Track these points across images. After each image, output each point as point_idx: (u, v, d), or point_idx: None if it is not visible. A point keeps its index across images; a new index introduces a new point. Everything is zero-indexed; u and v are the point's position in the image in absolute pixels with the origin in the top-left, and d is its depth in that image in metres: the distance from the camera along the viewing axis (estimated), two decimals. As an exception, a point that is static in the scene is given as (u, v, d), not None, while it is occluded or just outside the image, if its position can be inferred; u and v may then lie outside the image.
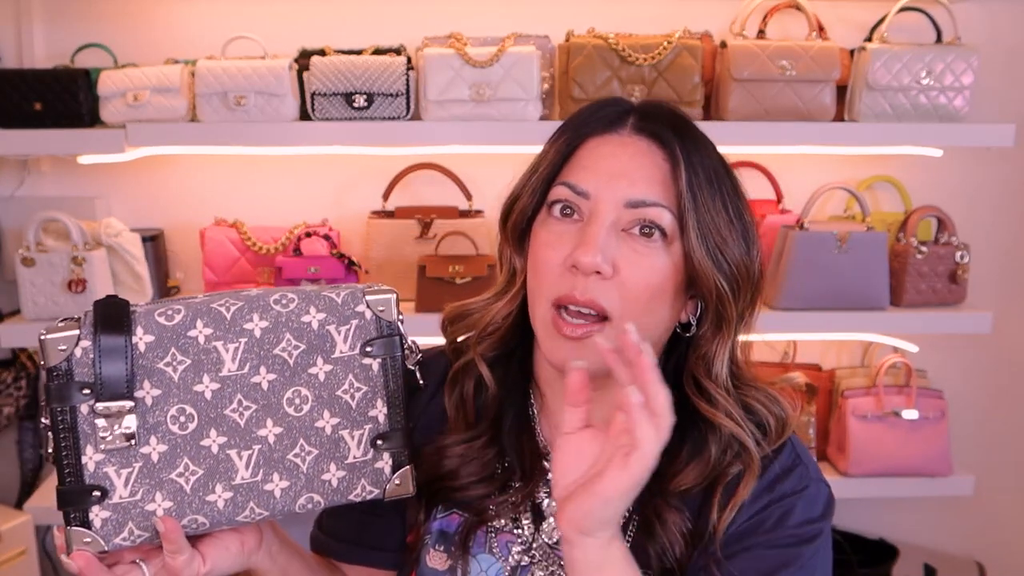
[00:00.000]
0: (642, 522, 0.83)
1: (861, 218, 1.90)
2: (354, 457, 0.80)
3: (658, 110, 0.86)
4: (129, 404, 0.75)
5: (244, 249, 1.93)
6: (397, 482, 0.82)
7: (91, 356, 0.74)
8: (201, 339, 0.76)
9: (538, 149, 0.90)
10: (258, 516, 0.79)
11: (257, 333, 0.77)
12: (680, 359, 0.88)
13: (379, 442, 0.81)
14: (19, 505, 1.98)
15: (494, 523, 0.89)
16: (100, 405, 0.74)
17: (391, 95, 1.77)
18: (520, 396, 0.93)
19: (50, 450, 0.75)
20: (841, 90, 1.87)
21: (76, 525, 0.75)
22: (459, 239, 1.89)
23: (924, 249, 1.90)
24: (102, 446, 0.75)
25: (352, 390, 0.80)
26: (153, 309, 0.77)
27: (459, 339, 0.95)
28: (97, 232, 1.81)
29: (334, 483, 0.80)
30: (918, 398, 1.95)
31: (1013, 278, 2.18)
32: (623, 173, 0.81)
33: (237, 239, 1.93)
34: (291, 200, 2.03)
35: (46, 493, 1.93)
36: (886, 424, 1.94)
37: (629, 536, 0.85)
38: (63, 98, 1.77)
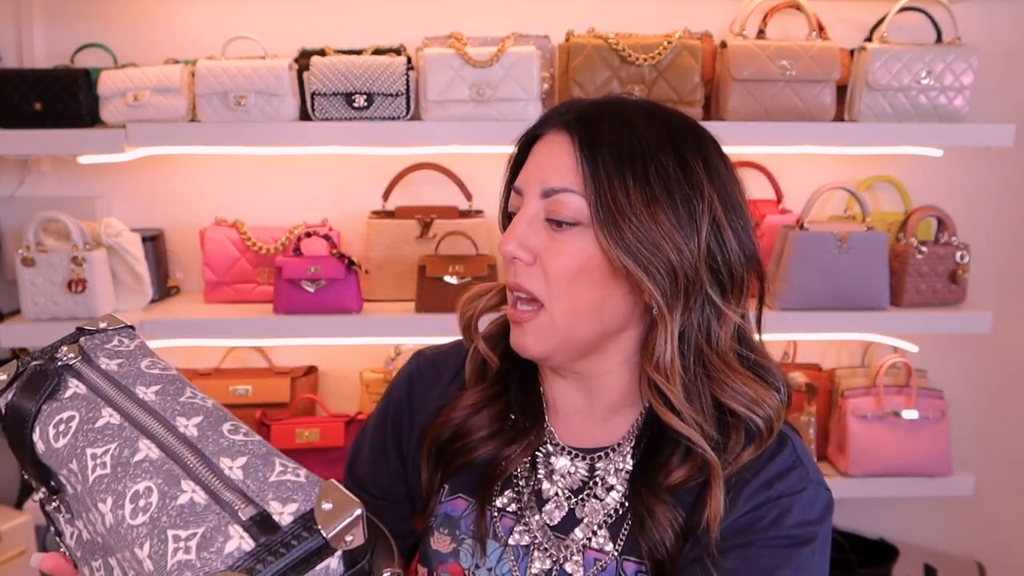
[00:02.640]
0: (635, 517, 0.85)
1: (861, 218, 1.90)
2: None
3: (590, 102, 0.88)
4: (43, 489, 0.66)
5: (244, 249, 1.93)
6: None
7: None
8: (77, 482, 0.61)
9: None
10: None
11: (103, 527, 0.58)
12: None
13: None
14: (19, 505, 1.98)
15: (496, 503, 0.91)
16: (25, 476, 0.67)
17: (391, 95, 1.77)
18: (527, 365, 0.96)
19: None
20: (841, 90, 1.87)
21: (56, 535, 0.73)
22: (459, 239, 1.89)
23: (924, 249, 1.90)
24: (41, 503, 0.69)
25: None
26: (56, 411, 0.64)
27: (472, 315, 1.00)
28: (97, 232, 1.81)
29: None
30: (918, 398, 1.95)
31: (1013, 278, 2.18)
32: (541, 165, 0.86)
33: (237, 239, 1.93)
34: (291, 200, 2.03)
35: (46, 493, 1.93)
36: (886, 424, 1.94)
37: (625, 530, 0.86)
38: (63, 98, 1.77)
